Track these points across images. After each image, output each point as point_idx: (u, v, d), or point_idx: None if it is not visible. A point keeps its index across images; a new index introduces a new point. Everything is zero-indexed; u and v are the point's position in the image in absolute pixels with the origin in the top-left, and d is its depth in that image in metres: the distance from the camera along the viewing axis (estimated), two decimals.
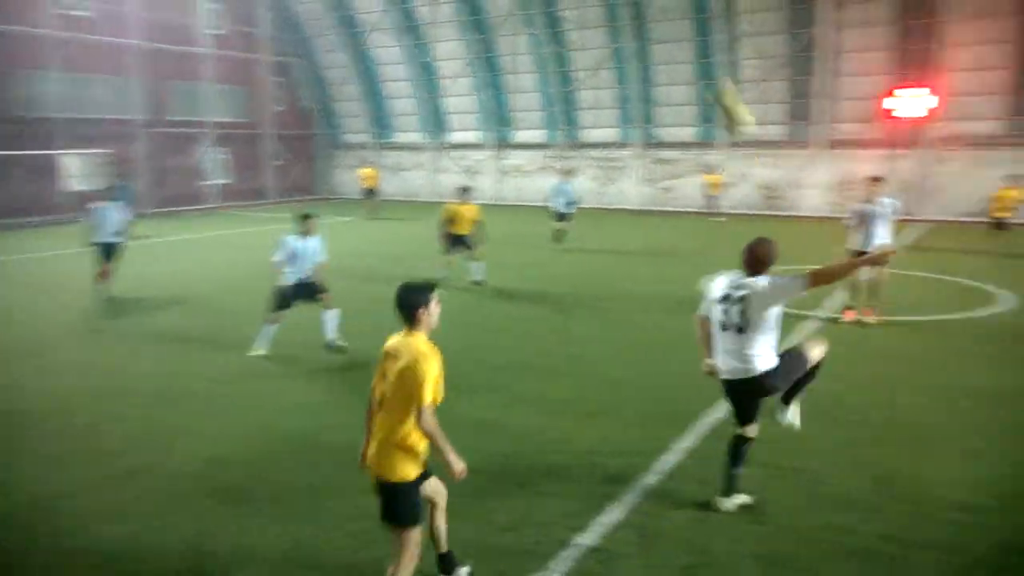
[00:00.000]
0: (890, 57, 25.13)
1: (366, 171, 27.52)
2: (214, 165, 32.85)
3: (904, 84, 24.72)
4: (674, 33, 28.13)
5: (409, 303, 4.02)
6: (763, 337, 5.14)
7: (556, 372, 8.63)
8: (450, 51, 32.83)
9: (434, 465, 4.17)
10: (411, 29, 33.19)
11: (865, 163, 26.39)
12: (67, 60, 27.02)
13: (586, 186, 31.72)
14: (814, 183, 27.12)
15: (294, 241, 9.18)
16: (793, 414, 5.61)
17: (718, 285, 5.32)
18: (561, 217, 18.86)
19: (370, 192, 27.23)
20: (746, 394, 5.29)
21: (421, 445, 3.99)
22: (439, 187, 35.12)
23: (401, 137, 36.48)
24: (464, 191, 14.06)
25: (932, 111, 24.53)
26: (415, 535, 4.01)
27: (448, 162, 35.22)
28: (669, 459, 6.16)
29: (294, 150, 37.01)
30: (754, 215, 26.68)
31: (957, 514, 5.24)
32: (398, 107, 35.90)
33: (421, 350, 3.91)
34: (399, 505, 3.99)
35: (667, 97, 29.47)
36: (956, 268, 15.28)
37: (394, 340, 4.05)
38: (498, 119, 33.38)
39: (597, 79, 30.30)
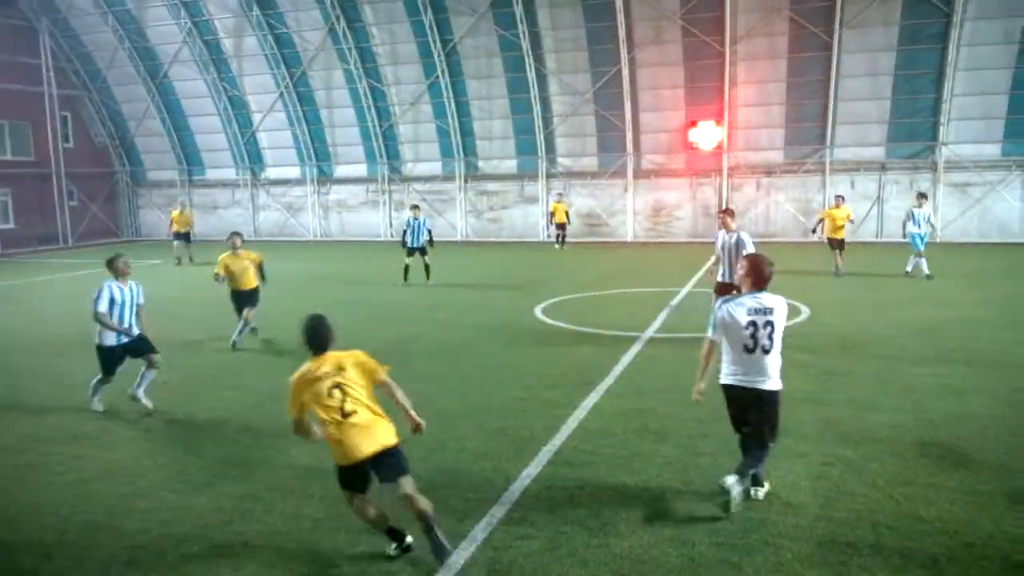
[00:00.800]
0: (685, 93, 27.27)
1: (175, 214, 25.43)
2: None
3: (699, 118, 26.96)
4: (486, 70, 28.91)
5: (324, 332, 5.17)
6: (779, 356, 5.64)
7: (387, 410, 8.34)
8: (260, 84, 31.70)
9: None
10: (216, 62, 31.72)
11: (672, 191, 28.50)
12: None
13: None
14: (630, 210, 28.74)
15: (113, 287, 8.24)
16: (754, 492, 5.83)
17: (738, 311, 5.50)
18: (420, 251, 18.27)
19: (180, 235, 24.87)
20: (764, 404, 5.67)
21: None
22: (261, 225, 33.71)
23: (213, 174, 34.62)
24: (236, 235, 12.28)
25: (724, 142, 26.94)
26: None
27: (267, 198, 33.85)
28: (515, 490, 6.11)
29: (90, 190, 34.05)
30: (578, 243, 27.78)
31: (783, 517, 5.56)
32: (207, 142, 34.08)
33: (354, 352, 5.21)
34: (403, 457, 5.11)
35: (486, 130, 30.16)
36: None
37: (319, 363, 5.06)
38: (317, 153, 32.59)
39: (416, 113, 30.46)
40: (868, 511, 5.58)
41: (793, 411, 7.92)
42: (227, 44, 31.38)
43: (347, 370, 5.05)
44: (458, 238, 30.56)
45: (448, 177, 31.02)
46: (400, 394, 5.21)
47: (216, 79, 31.98)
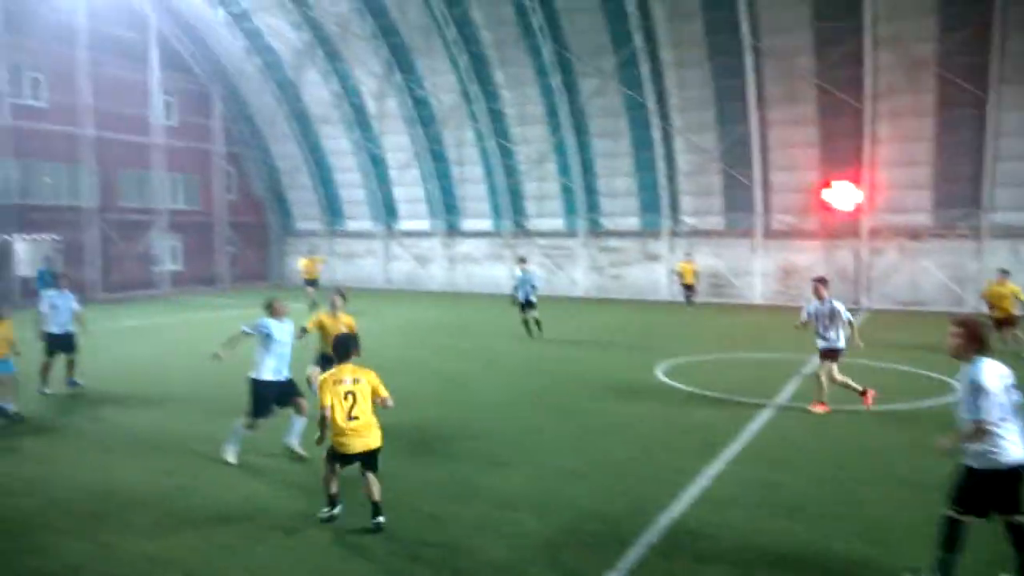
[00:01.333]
0: (820, 152, 26.39)
1: (304, 262, 26.74)
2: (165, 252, 32.48)
3: (835, 177, 25.96)
4: (611, 128, 29.22)
5: (350, 345, 6.86)
6: None
7: (510, 463, 8.43)
8: (398, 143, 33.47)
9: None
10: (359, 122, 33.83)
11: (804, 253, 27.40)
12: (19, 148, 26.85)
13: (535, 273, 32.13)
14: (757, 271, 27.90)
15: (270, 325, 8.57)
16: None
17: (998, 379, 5.23)
18: (530, 305, 18.55)
19: (311, 283, 25.86)
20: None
21: None
22: (391, 274, 35.25)
23: (352, 225, 36.63)
24: (339, 295, 10.70)
25: (864, 204, 25.73)
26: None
27: (399, 249, 35.36)
28: (632, 556, 5.98)
29: (246, 237, 36.84)
30: (701, 302, 27.16)
31: None
32: (348, 195, 36.18)
33: (370, 372, 6.76)
34: (376, 460, 6.65)
35: (609, 188, 30.35)
36: (905, 357, 15.64)
37: (341, 370, 6.63)
38: (446, 208, 33.85)
39: (541, 170, 31.13)
40: None
41: (941, 496, 7.36)
42: (370, 106, 33.43)
43: (361, 383, 6.56)
44: (579, 294, 30.63)
45: (570, 233, 31.31)
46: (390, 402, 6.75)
47: (359, 138, 34.06)
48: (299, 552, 6.13)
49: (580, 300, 29.64)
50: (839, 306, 11.23)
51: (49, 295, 12.74)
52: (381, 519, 6.49)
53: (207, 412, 10.66)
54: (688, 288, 26.01)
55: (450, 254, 34.23)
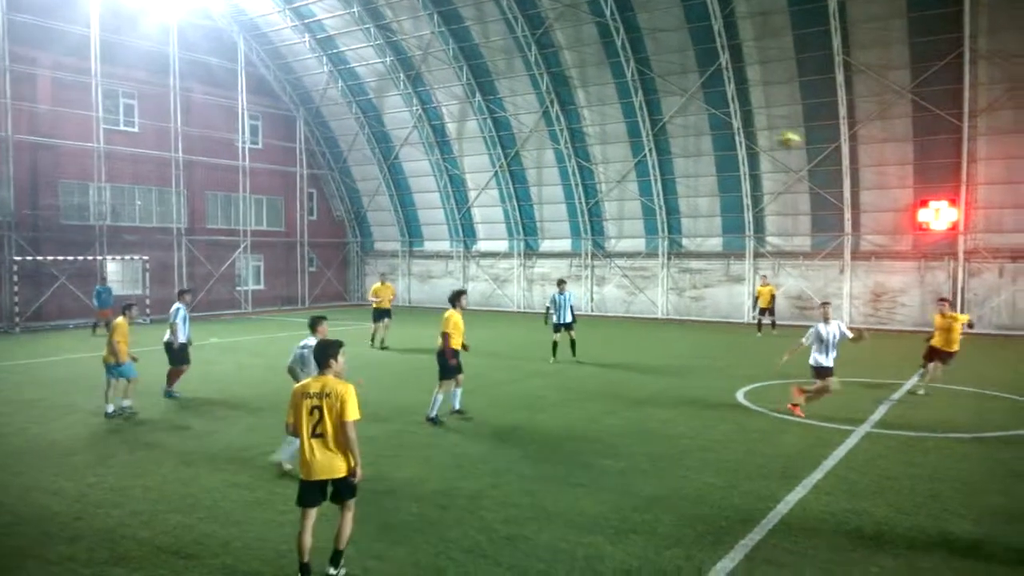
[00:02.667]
0: (914, 170, 25.36)
1: (377, 287, 21.52)
2: (248, 272, 33.67)
3: (929, 196, 24.89)
4: (694, 148, 28.83)
5: (324, 354, 5.88)
6: None
7: (587, 485, 8.32)
8: (477, 164, 33.91)
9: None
10: (440, 143, 34.46)
11: (895, 274, 26.31)
12: (112, 171, 28.33)
13: (614, 295, 31.85)
14: (846, 294, 26.91)
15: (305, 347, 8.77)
16: None
17: None
18: (568, 327, 18.30)
19: (383, 313, 21.08)
20: None
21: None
22: (469, 294, 35.30)
23: (430, 245, 37.23)
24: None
25: (960, 223, 24.57)
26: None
27: (477, 270, 35.69)
28: None
29: (326, 257, 37.92)
30: (787, 325, 26.33)
31: None
32: (427, 216, 36.82)
33: (347, 386, 5.77)
34: (350, 488, 5.84)
35: (691, 208, 29.89)
36: (1001, 383, 14.78)
37: (315, 381, 5.80)
38: (524, 228, 34.00)
39: (621, 190, 30.93)
40: None
41: None
42: (450, 127, 34.03)
43: (330, 398, 5.69)
44: (659, 315, 30.19)
45: (651, 254, 30.95)
46: (354, 441, 5.71)
47: (439, 159, 34.67)
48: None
49: (660, 322, 29.21)
50: (843, 325, 12.15)
51: (178, 308, 13.51)
52: (334, 572, 5.79)
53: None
54: (764, 311, 24.75)
55: (528, 274, 34.32)
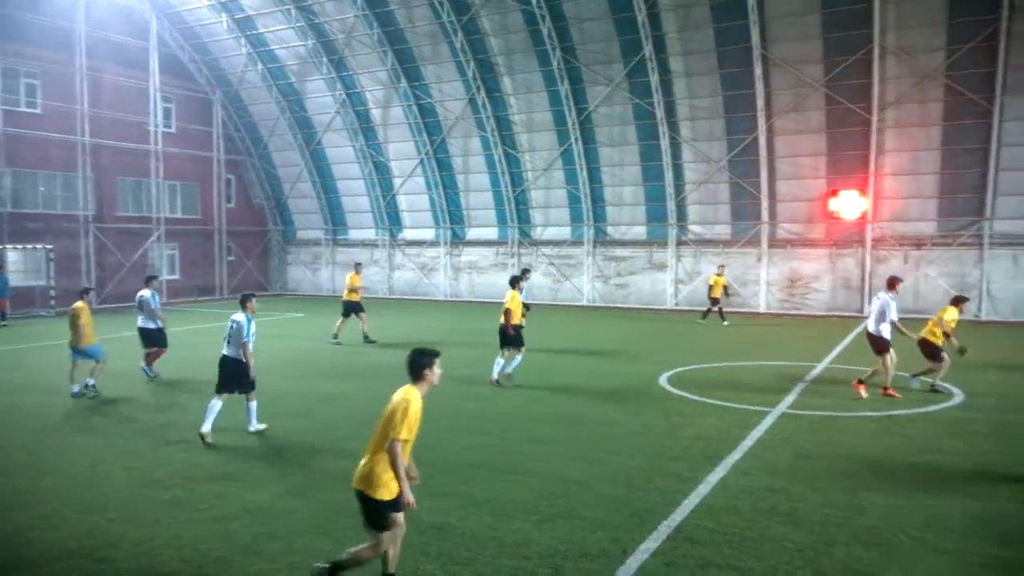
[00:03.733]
0: (827, 161, 26.38)
1: (352, 277, 20.17)
2: (163, 261, 32.39)
3: (841, 186, 25.94)
4: (619, 137, 29.23)
5: (416, 363, 5.34)
6: None
7: (512, 472, 8.36)
8: (402, 151, 33.51)
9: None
10: (364, 130, 33.89)
11: (809, 261, 27.37)
12: (13, 155, 26.80)
13: (540, 282, 32.06)
14: (763, 280, 27.81)
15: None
16: None
17: None
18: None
19: (353, 307, 19.58)
20: None
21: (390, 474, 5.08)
22: (395, 283, 35.15)
23: (355, 234, 36.65)
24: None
25: (869, 212, 25.71)
26: (382, 537, 5.19)
27: (403, 258, 35.35)
28: (632, 564, 5.90)
29: (245, 246, 36.85)
30: (707, 311, 27.01)
31: None
32: (351, 204, 36.21)
33: (407, 397, 5.14)
34: (374, 514, 5.17)
35: (616, 197, 30.33)
36: (911, 365, 15.53)
37: (400, 390, 5.29)
38: (451, 216, 33.84)
39: (547, 179, 31.11)
40: None
41: (941, 502, 7.29)
42: (375, 114, 33.50)
43: (389, 405, 5.28)
44: (584, 303, 30.57)
45: (576, 242, 31.28)
46: (400, 466, 5.12)
47: (364, 145, 34.11)
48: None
49: (586, 309, 29.59)
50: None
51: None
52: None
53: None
54: (715, 301, 24.10)
55: (455, 263, 34.21)
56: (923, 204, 25.58)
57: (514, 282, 14.20)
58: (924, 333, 13.18)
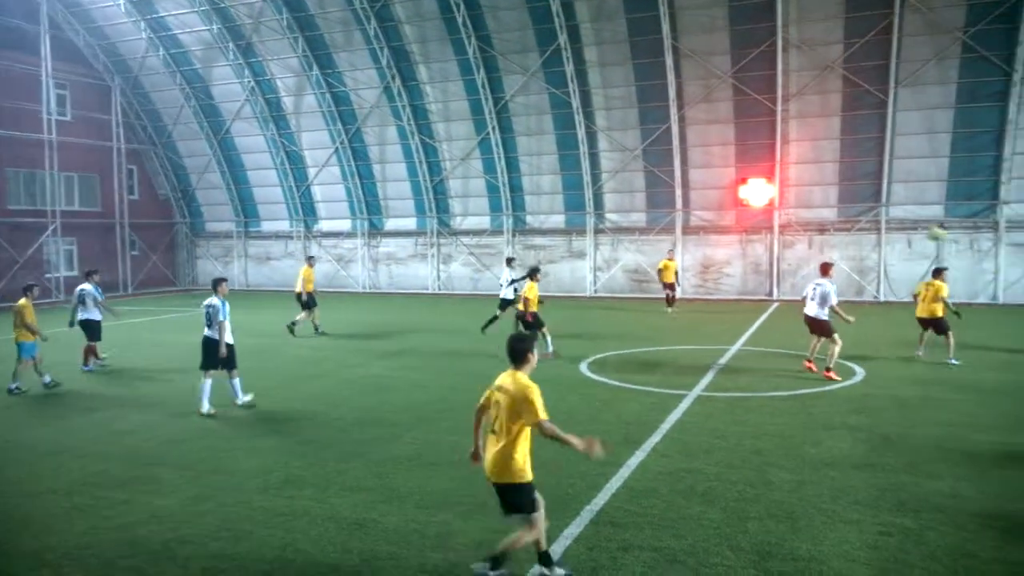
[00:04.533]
0: (736, 150, 27.22)
1: (306, 270, 19.49)
2: (60, 257, 30.69)
3: (750, 174, 26.83)
4: (536, 126, 29.38)
5: (517, 349, 5.43)
6: None
7: (436, 464, 8.30)
8: (317, 140, 32.76)
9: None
10: (275, 118, 32.95)
11: (721, 248, 28.23)
12: None
13: (460, 272, 32.00)
14: (678, 266, 28.45)
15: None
16: None
17: None
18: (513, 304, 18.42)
19: (307, 299, 19.07)
20: None
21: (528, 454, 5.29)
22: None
23: (268, 225, 35.65)
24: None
25: (776, 200, 26.70)
26: (536, 517, 5.27)
27: (319, 250, 34.60)
28: (556, 549, 5.95)
29: (151, 240, 35.36)
30: (624, 298, 27.62)
31: None
32: (264, 195, 35.19)
33: (525, 383, 5.24)
34: (522, 499, 5.24)
35: (534, 186, 30.50)
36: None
37: (503, 376, 5.40)
38: (368, 207, 33.32)
39: (466, 168, 31.01)
40: None
41: (846, 475, 7.64)
42: (287, 102, 32.60)
43: (507, 395, 5.27)
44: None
45: (496, 231, 31.32)
46: (560, 433, 5.17)
47: (275, 135, 33.16)
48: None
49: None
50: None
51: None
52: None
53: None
54: (670, 288, 23.20)
55: (373, 254, 33.73)
56: (825, 191, 26.76)
57: (532, 273, 15.56)
58: (924, 313, 14.37)
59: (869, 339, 16.22)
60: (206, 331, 10.92)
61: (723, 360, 14.70)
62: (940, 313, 14.28)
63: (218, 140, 34.43)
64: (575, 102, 27.91)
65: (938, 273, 14.73)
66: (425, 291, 32.22)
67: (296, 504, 7.07)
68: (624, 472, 7.82)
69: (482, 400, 5.62)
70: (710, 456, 8.39)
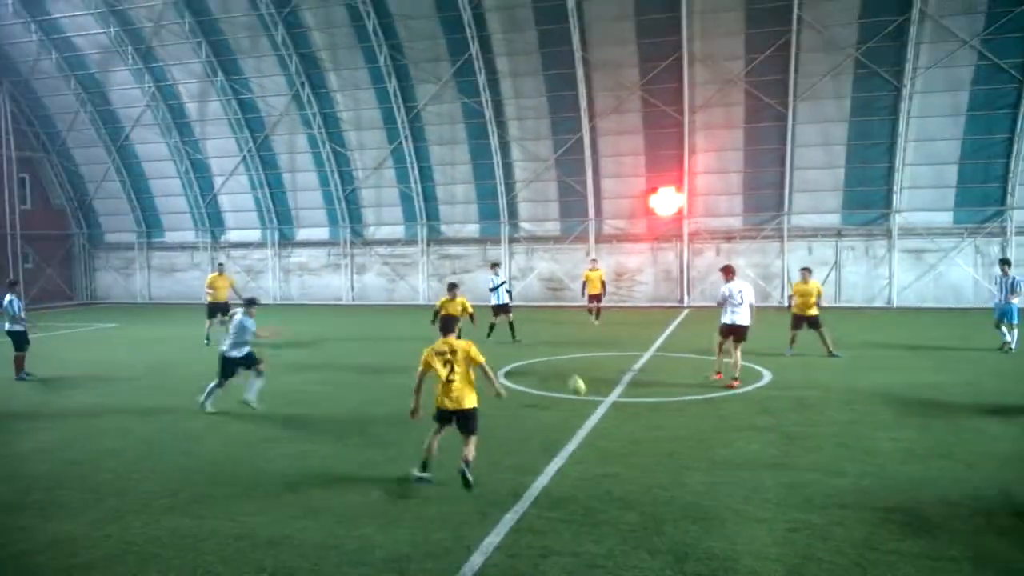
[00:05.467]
0: (646, 160, 27.92)
1: (213, 278, 19.44)
2: None
3: (660, 184, 27.57)
4: (449, 136, 29.37)
5: (449, 323, 8.08)
6: None
7: (350, 478, 8.14)
8: (223, 148, 31.77)
9: None
10: (178, 125, 31.78)
11: (633, 255, 28.87)
12: None
13: (374, 283, 31.59)
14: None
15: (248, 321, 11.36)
16: None
17: None
18: (507, 310, 18.77)
19: (218, 308, 18.68)
20: None
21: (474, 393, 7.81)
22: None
23: (172, 236, 34.29)
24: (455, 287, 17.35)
25: (685, 209, 27.52)
26: (477, 436, 7.80)
27: (228, 261, 33.45)
28: (477, 560, 5.92)
29: (45, 252, 33.46)
30: (539, 306, 27.84)
31: None
32: (167, 205, 33.85)
33: (464, 343, 7.86)
34: (476, 420, 7.81)
35: (448, 195, 30.44)
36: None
37: (445, 343, 7.84)
38: (278, 216, 32.51)
39: (378, 177, 30.68)
40: None
41: (756, 475, 7.91)
42: (190, 108, 31.50)
43: (457, 353, 7.73)
44: (420, 301, 30.44)
45: (410, 241, 31.09)
46: (491, 374, 7.91)
47: (178, 142, 31.97)
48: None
49: (422, 308, 29.38)
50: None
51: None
52: (469, 478, 7.45)
53: None
54: (594, 299, 22.49)
55: (284, 264, 32.91)
56: (731, 200, 27.78)
57: (451, 288, 16.05)
58: (801, 310, 15.80)
59: (774, 343, 16.88)
60: (232, 351, 11.27)
61: (637, 366, 15.00)
62: (816, 311, 15.80)
63: (117, 148, 32.92)
64: (488, 112, 28.05)
65: (807, 272, 16.44)
66: (339, 302, 31.64)
67: (205, 524, 6.79)
68: (543, 480, 7.86)
69: (422, 366, 7.86)
70: (626, 461, 8.53)
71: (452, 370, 7.67)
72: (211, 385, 11.33)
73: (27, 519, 7.04)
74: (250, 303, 11.85)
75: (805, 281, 16.14)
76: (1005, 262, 16.86)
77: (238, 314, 11.52)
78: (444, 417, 7.80)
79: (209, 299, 18.96)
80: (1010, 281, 16.11)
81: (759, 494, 7.31)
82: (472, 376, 7.76)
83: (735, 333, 12.89)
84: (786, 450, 8.88)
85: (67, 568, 5.93)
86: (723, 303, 13.06)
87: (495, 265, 20.47)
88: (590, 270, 23.10)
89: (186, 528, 6.71)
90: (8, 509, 7.33)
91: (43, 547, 6.36)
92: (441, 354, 7.74)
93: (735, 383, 12.57)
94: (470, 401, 7.72)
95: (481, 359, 7.77)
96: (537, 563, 5.85)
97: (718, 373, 13.18)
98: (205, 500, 7.44)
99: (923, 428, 9.82)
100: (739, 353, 12.85)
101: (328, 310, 29.60)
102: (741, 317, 12.91)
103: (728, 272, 13.25)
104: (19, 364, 14.71)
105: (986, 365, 14.62)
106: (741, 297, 12.91)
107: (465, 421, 7.72)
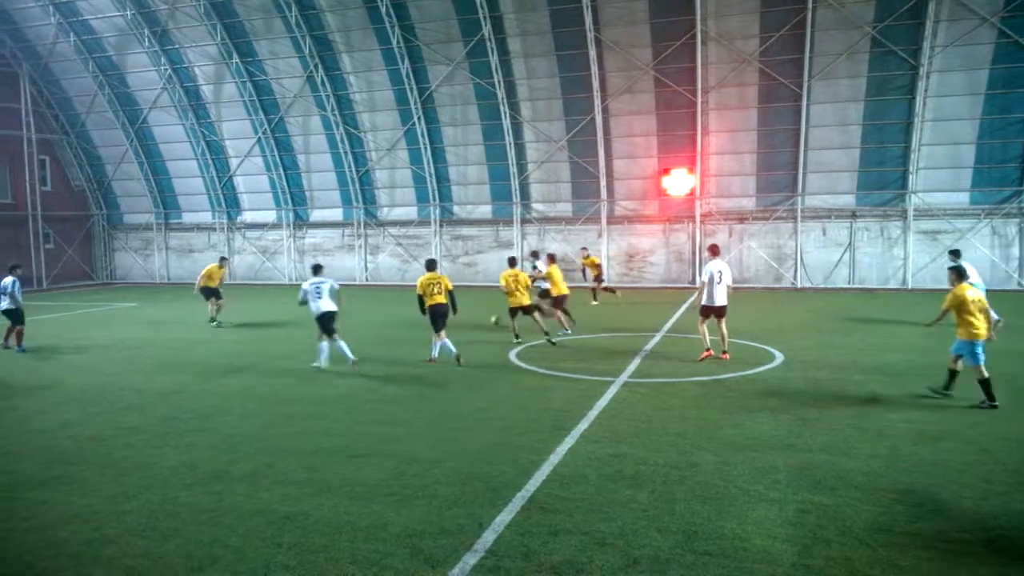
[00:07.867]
0: (658, 141, 27.78)
1: (212, 268, 20.25)
2: None
3: (672, 165, 27.44)
4: (461, 117, 29.33)
5: (434, 264, 14.11)
6: None
7: (366, 455, 8.27)
8: (238, 130, 31.91)
9: None
10: (195, 107, 31.94)
11: (645, 237, 28.81)
12: None
13: (388, 263, 31.75)
14: (604, 255, 28.95)
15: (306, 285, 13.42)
16: None
17: None
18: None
19: (211, 292, 19.82)
20: None
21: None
22: (236, 268, 33.45)
23: (189, 217, 34.57)
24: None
25: (697, 189, 27.40)
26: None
27: (243, 242, 33.76)
28: (489, 537, 6.03)
29: (66, 233, 33.87)
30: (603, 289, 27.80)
31: (760, 565, 5.55)
32: (184, 186, 34.10)
33: (443, 277, 13.86)
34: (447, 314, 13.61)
35: (461, 176, 30.46)
36: (738, 331, 16.74)
37: (431, 275, 13.71)
38: (293, 198, 32.67)
39: (392, 158, 30.73)
40: (845, 559, 5.57)
41: (766, 456, 7.97)
42: (206, 91, 31.62)
43: (441, 282, 13.28)
44: None
45: (423, 222, 31.17)
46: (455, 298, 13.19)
47: (195, 124, 32.13)
48: None
49: None
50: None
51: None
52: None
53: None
54: (597, 279, 23.35)
55: (299, 245, 33.12)
56: (744, 181, 27.61)
57: (429, 265, 14.84)
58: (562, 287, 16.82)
59: (787, 324, 16.87)
60: (324, 306, 13.10)
61: (648, 347, 15.05)
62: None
63: (135, 130, 33.15)
64: (500, 93, 27.97)
65: (716, 251, 14.79)
66: (353, 282, 31.83)
67: (223, 500, 6.95)
68: (554, 459, 7.96)
69: (419, 291, 13.38)
70: (637, 441, 8.61)
71: (439, 290, 13.51)
72: (322, 344, 13.12)
73: (49, 494, 7.23)
74: (316, 269, 14.16)
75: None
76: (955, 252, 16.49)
77: (329, 281, 13.70)
78: (433, 312, 13.50)
79: (202, 284, 19.89)
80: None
81: (769, 475, 7.37)
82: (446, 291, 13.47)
83: (715, 313, 13.45)
84: (797, 431, 8.93)
85: (88, 542, 6.10)
86: (708, 283, 13.51)
87: (535, 253, 20.31)
88: (584, 258, 23.53)
89: (204, 504, 6.87)
90: (31, 484, 7.53)
91: (65, 521, 6.54)
92: (431, 282, 13.58)
93: (724, 355, 13.23)
94: (451, 306, 13.62)
95: (451, 286, 13.63)
96: (547, 541, 5.95)
97: (707, 351, 13.42)
98: (223, 476, 7.60)
99: (937, 410, 9.83)
100: (725, 328, 13.44)
101: (343, 290, 29.70)
102: (719, 297, 13.43)
103: (714, 251, 14.06)
104: (19, 337, 16.07)
105: (1001, 346, 14.54)
106: (720, 277, 13.41)
107: (443, 319, 13.57)
